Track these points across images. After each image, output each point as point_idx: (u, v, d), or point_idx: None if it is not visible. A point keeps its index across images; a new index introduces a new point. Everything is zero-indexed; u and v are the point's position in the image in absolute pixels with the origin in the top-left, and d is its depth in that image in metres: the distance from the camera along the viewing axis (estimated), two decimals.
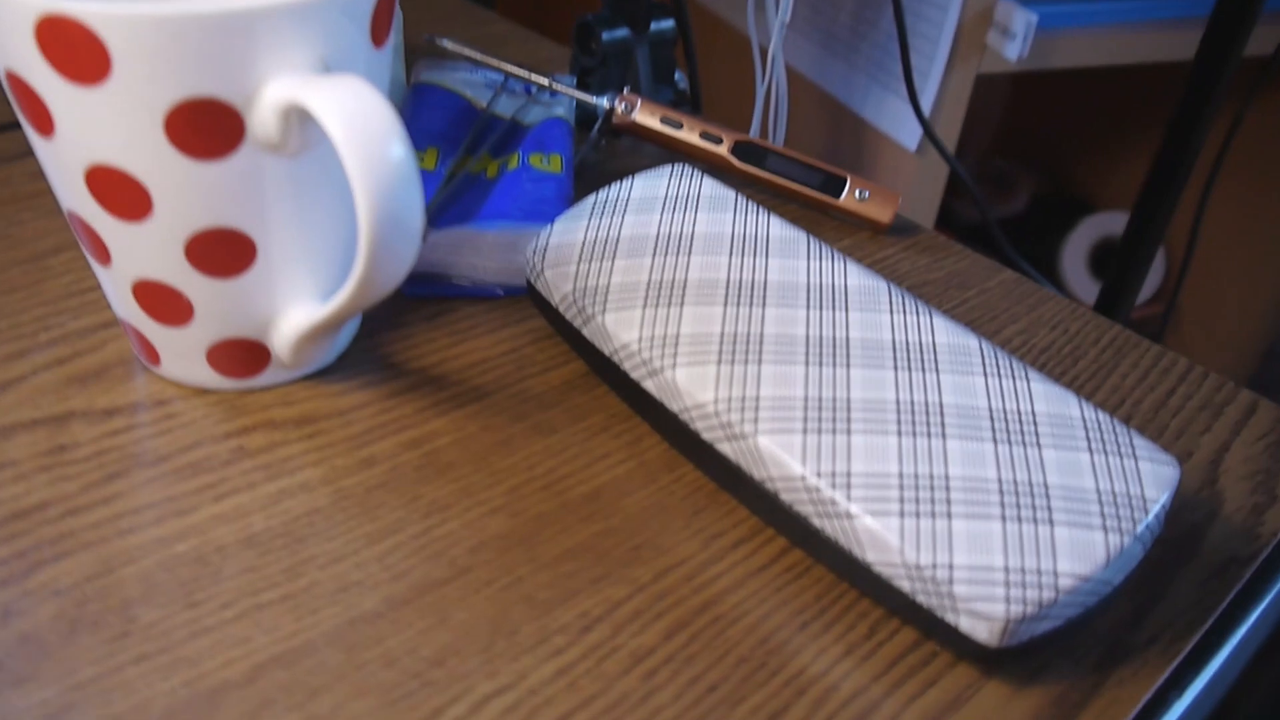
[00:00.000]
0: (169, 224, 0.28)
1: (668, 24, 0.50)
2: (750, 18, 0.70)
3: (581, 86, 0.50)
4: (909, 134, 0.75)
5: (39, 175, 0.43)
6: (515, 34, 0.60)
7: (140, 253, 0.29)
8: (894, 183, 0.81)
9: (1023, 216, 1.19)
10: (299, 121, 0.27)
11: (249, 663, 0.25)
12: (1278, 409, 0.37)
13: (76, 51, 0.25)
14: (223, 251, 0.29)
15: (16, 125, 0.46)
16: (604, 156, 0.48)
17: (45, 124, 0.27)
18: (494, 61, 0.45)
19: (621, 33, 0.49)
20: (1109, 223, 1.12)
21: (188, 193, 0.27)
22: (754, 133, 0.73)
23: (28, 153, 0.45)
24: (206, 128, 0.26)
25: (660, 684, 0.26)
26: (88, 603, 0.26)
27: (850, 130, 0.83)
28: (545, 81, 0.45)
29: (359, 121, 0.25)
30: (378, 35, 0.29)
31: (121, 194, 0.27)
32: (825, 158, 0.89)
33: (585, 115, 0.48)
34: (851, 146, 0.83)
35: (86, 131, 0.26)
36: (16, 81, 0.26)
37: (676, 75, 0.52)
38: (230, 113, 0.26)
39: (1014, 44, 0.71)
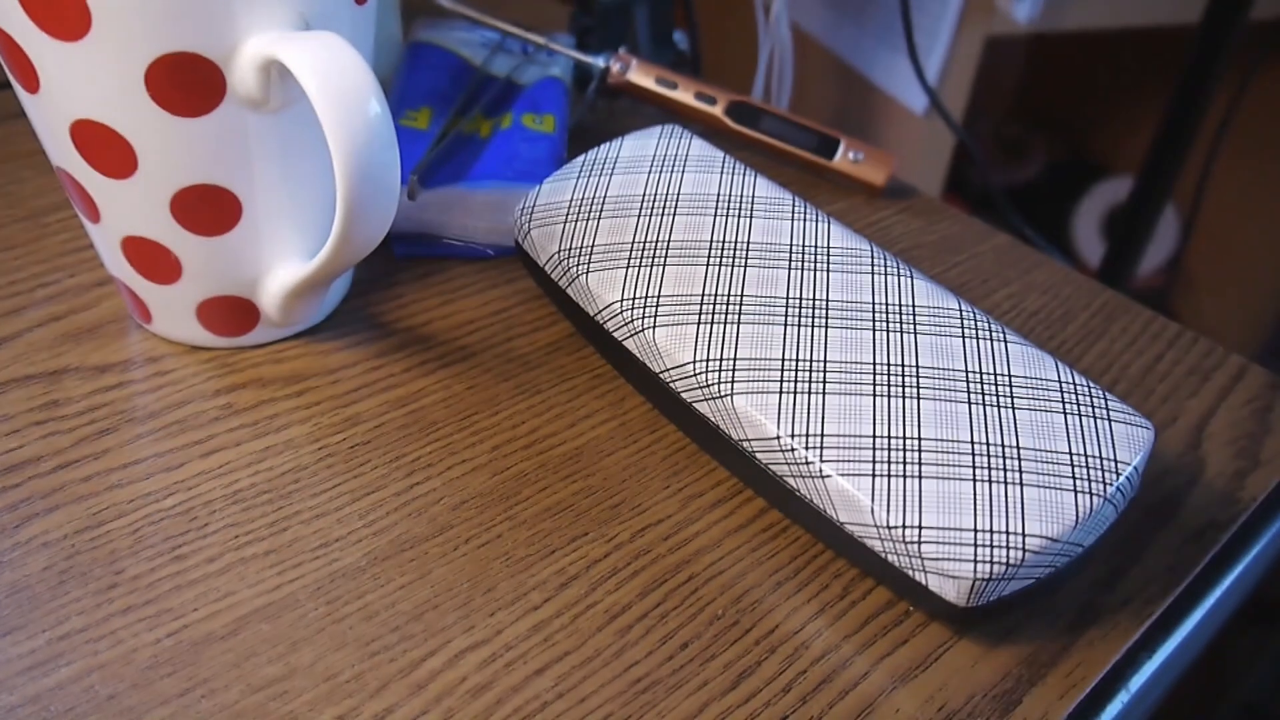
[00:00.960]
0: (154, 180, 0.28)
1: None
2: None
3: (580, 46, 0.50)
4: (917, 98, 0.75)
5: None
6: None
7: (127, 209, 0.29)
8: (902, 147, 0.80)
9: (1037, 182, 1.18)
10: (279, 77, 0.27)
11: (232, 615, 0.26)
12: (1266, 374, 0.36)
13: (57, 6, 0.25)
14: (208, 208, 0.29)
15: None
16: (602, 117, 0.48)
17: (31, 80, 0.27)
18: (491, 20, 0.45)
19: None
20: (1122, 188, 1.11)
21: (171, 149, 0.28)
22: (757, 94, 0.73)
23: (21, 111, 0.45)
24: (187, 83, 0.26)
25: (634, 640, 0.26)
26: (77, 555, 0.27)
27: (859, 93, 0.82)
28: (541, 41, 0.45)
29: (335, 77, 0.25)
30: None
31: (106, 150, 0.28)
32: (833, 121, 0.88)
33: (583, 75, 0.48)
34: (860, 110, 0.83)
35: (70, 87, 0.27)
36: (4, 37, 0.27)
37: (676, 35, 0.52)
38: (211, 68, 0.26)
39: (1023, 4, 0.70)
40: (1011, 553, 0.25)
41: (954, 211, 0.44)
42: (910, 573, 0.26)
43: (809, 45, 0.88)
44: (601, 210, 0.34)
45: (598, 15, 0.49)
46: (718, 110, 0.44)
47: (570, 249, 0.33)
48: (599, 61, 0.45)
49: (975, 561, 0.25)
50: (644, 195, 0.34)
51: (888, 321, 0.30)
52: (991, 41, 0.74)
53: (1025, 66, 1.20)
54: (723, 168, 0.36)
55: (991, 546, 0.25)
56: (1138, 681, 0.27)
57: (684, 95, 0.44)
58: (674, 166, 0.36)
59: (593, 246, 0.33)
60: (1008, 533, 0.25)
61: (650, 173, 0.35)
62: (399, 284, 0.37)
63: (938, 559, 0.25)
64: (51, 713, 0.23)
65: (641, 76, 0.44)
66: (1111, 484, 0.26)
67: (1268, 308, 1.10)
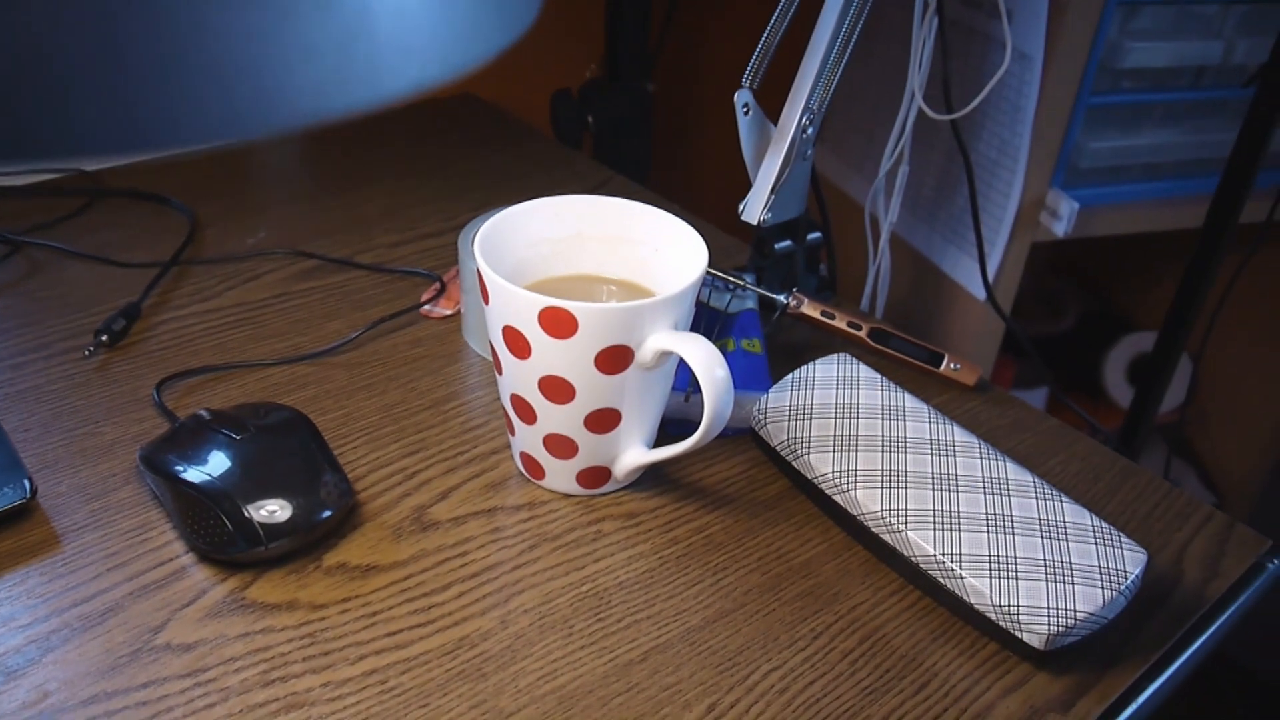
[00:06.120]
0: (580, 406, 0.51)
1: (817, 235, 0.73)
2: (867, 212, 0.93)
3: (759, 278, 0.72)
4: (978, 287, 0.97)
5: (416, 344, 0.66)
6: None
7: (558, 420, 0.52)
8: (967, 320, 1.03)
9: (1071, 332, 1.40)
10: (662, 354, 0.50)
11: (640, 649, 0.48)
12: (1225, 518, 0.58)
13: (559, 323, 0.48)
14: (604, 419, 0.52)
15: (398, 314, 0.69)
16: (776, 332, 0.70)
17: (524, 354, 0.50)
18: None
19: (786, 243, 0.72)
20: (1145, 341, 1.34)
21: (596, 391, 0.50)
22: (865, 298, 0.96)
23: (403, 327, 0.68)
24: (615, 359, 0.49)
25: (860, 666, 0.48)
26: (544, 618, 0.49)
27: (931, 278, 1.05)
28: (742, 282, 0.67)
29: (707, 361, 0.48)
30: (697, 298, 0.52)
31: (559, 391, 0.50)
32: (912, 301, 1.11)
33: (766, 303, 0.71)
34: (932, 291, 1.06)
35: (550, 360, 0.49)
36: (511, 331, 0.49)
37: (821, 267, 0.75)
38: (629, 351, 0.49)
39: (1061, 223, 0.93)
40: (1069, 620, 0.46)
41: (1019, 402, 0.66)
42: (1012, 631, 0.47)
43: (892, 238, 1.11)
44: (811, 413, 0.56)
45: (770, 258, 0.72)
46: (862, 334, 0.66)
47: (794, 438, 0.55)
48: (781, 299, 0.67)
49: (1049, 624, 0.46)
50: (836, 404, 0.57)
51: (993, 489, 0.52)
52: (1036, 245, 0.97)
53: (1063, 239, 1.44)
54: (882, 386, 0.58)
55: (1058, 616, 0.46)
56: (1143, 697, 0.48)
57: (840, 323, 0.67)
58: (851, 384, 0.58)
59: (809, 437, 0.55)
60: (1066, 609, 0.46)
61: (836, 389, 0.58)
62: None
63: (1029, 624, 0.46)
64: (559, 690, 0.45)
65: (811, 310, 0.67)
66: (1122, 584, 0.47)
67: (1266, 436, 1.31)
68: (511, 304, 0.49)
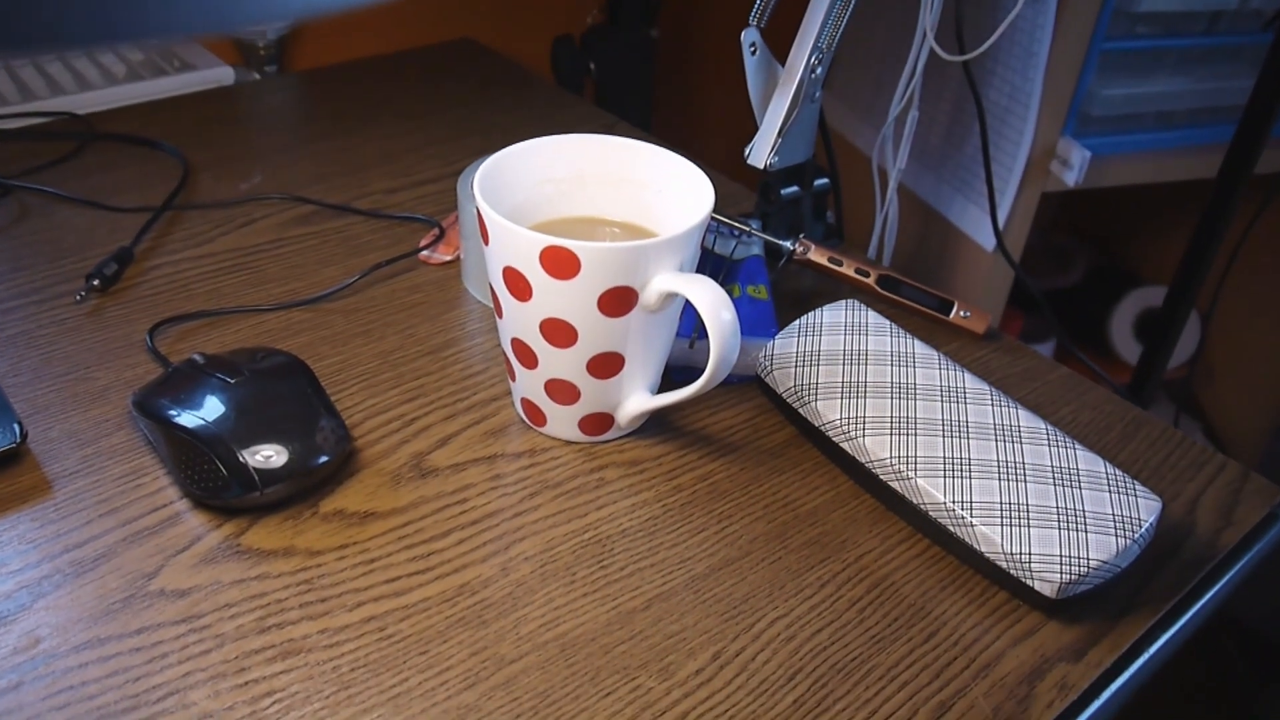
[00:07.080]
0: (583, 350, 0.50)
1: (824, 181, 0.71)
2: (874, 163, 0.91)
3: (764, 225, 0.71)
4: (986, 238, 0.96)
5: (414, 290, 0.65)
6: None
7: (560, 365, 0.50)
8: (976, 270, 1.01)
9: (1079, 287, 1.39)
10: (667, 297, 0.48)
11: (643, 597, 0.47)
12: (1239, 466, 0.57)
13: (561, 263, 0.46)
14: (607, 364, 0.50)
15: (396, 259, 0.67)
16: (781, 278, 0.69)
17: (525, 295, 0.49)
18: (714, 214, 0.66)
19: (793, 189, 0.70)
20: (1152, 295, 1.32)
21: (599, 334, 0.49)
22: (872, 247, 0.94)
23: (401, 273, 0.67)
24: (619, 301, 0.48)
25: (868, 615, 0.47)
26: (546, 565, 0.48)
27: (937, 230, 1.04)
28: (749, 228, 0.66)
29: (714, 302, 0.46)
30: (702, 244, 0.50)
31: (561, 334, 0.49)
32: (919, 252, 1.09)
33: (772, 249, 0.69)
34: (938, 243, 1.04)
35: (552, 302, 0.48)
36: (512, 272, 0.48)
37: (828, 215, 0.73)
38: (633, 293, 0.48)
39: (1072, 173, 0.91)
40: (1081, 569, 0.45)
41: (1030, 350, 0.65)
42: (1023, 580, 0.46)
43: (899, 188, 1.09)
44: (819, 360, 0.55)
45: (776, 204, 0.70)
46: (870, 280, 0.65)
47: (801, 384, 0.54)
48: (788, 245, 0.66)
49: (1061, 573, 0.45)
50: (844, 350, 0.55)
51: (1005, 436, 0.50)
52: (1046, 195, 0.95)
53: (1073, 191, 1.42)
54: (891, 332, 0.57)
55: (1071, 565, 0.45)
56: (1155, 646, 0.47)
57: (848, 270, 0.65)
58: (859, 330, 0.57)
59: (816, 384, 0.54)
60: (1078, 557, 0.45)
61: (845, 334, 0.56)
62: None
63: (1040, 572, 0.45)
64: (561, 638, 0.44)
65: (818, 255, 0.65)
66: (1136, 532, 0.46)
67: (1274, 394, 1.30)
68: (512, 244, 0.47)
